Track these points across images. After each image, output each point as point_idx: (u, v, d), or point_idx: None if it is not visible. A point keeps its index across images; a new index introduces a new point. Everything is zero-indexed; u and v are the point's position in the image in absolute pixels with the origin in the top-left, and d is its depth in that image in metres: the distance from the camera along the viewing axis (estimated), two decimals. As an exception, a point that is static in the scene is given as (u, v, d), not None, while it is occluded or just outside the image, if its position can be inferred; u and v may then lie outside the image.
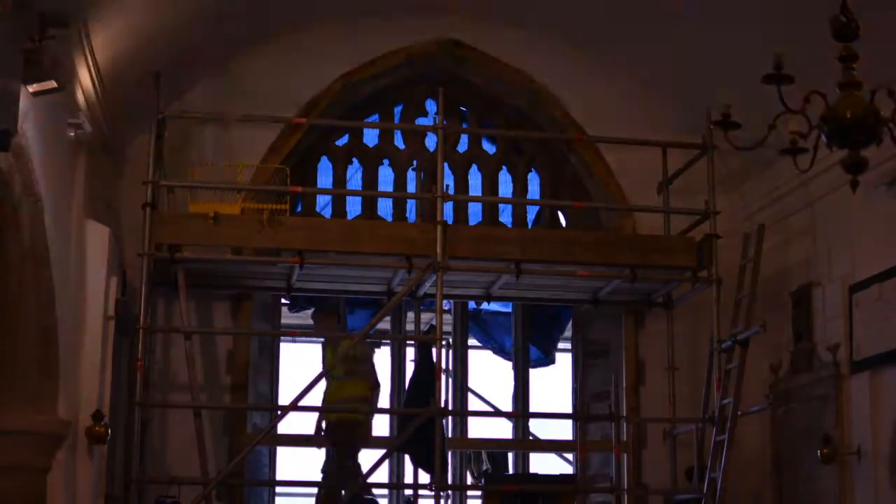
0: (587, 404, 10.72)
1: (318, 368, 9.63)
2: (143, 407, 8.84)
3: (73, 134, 7.71)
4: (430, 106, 10.92)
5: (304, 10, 10.16)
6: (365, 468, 9.31)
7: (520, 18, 10.53)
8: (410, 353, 10.65)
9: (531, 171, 11.23)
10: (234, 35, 9.96)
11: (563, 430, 11.27)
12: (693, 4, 9.24)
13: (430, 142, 10.75)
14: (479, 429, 11.32)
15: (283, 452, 10.77)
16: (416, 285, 9.38)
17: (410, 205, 10.82)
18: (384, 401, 10.70)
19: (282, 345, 10.84)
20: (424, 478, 9.59)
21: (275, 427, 9.49)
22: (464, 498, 10.91)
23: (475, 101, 11.11)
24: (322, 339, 10.06)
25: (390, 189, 10.90)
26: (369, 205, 10.80)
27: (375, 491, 10.15)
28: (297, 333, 11.10)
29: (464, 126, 11.11)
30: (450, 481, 10.30)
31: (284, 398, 10.41)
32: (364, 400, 9.63)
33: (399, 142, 11.04)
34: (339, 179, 10.83)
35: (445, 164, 9.89)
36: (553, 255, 9.51)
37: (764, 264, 9.59)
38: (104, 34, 7.86)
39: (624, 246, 9.72)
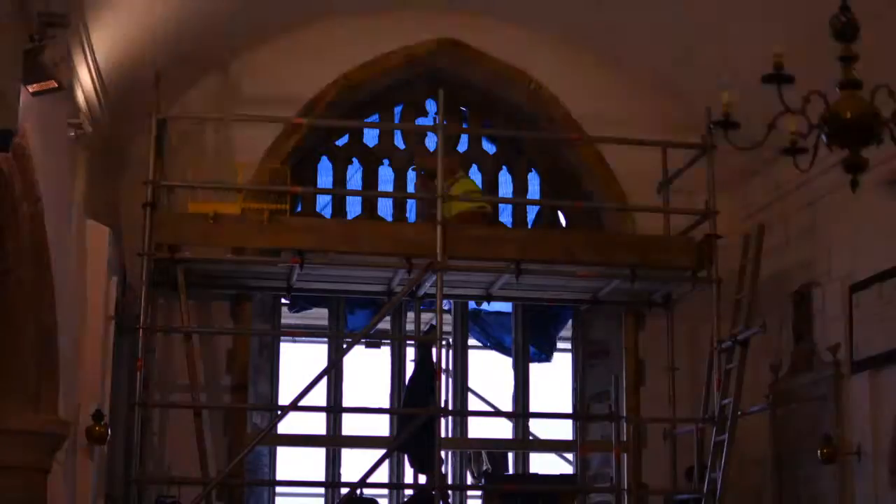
0: (587, 404, 10.73)
1: (318, 369, 9.63)
2: (143, 407, 8.84)
3: (73, 134, 7.70)
4: (430, 106, 10.93)
5: (304, 9, 10.16)
6: (364, 469, 9.30)
7: (520, 18, 10.53)
8: (410, 353, 10.66)
9: (531, 171, 11.24)
10: (234, 35, 9.96)
11: (563, 430, 11.27)
12: (694, 4, 9.24)
13: (430, 142, 10.76)
14: (479, 429, 11.32)
15: (283, 452, 10.78)
16: (415, 285, 9.39)
17: (410, 205, 10.83)
18: (384, 401, 10.72)
19: (282, 345, 10.85)
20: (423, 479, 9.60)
21: (275, 427, 9.49)
22: (464, 498, 10.91)
23: (475, 101, 11.11)
24: (322, 339, 10.07)
25: (390, 189, 10.90)
26: (369, 205, 10.81)
27: (376, 491, 10.15)
28: (297, 333, 11.11)
29: (464, 126, 11.11)
30: (450, 481, 10.33)
31: (284, 398, 10.41)
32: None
33: (399, 142, 11.05)
34: (339, 179, 10.84)
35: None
36: (553, 255, 9.51)
37: (764, 264, 9.59)
38: (104, 34, 7.86)
39: (624, 246, 9.72)
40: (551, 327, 11.30)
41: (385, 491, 10.77)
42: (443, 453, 9.39)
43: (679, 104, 10.47)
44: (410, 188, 10.90)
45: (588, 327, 11.10)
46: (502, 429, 11.55)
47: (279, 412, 9.39)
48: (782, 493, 9.64)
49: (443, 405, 9.14)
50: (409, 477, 10.31)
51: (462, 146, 11.14)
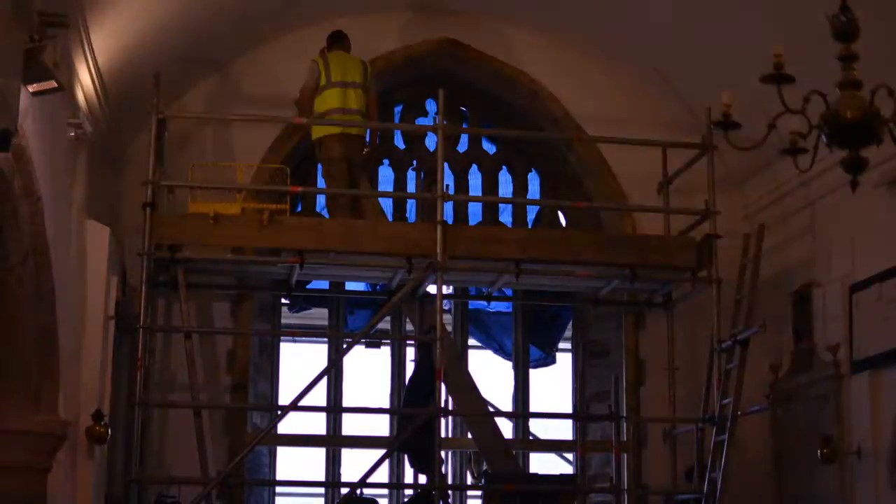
0: (587, 404, 10.72)
1: (318, 369, 9.62)
2: (143, 407, 8.83)
3: (73, 134, 7.70)
4: (430, 106, 10.92)
5: (305, 9, 10.16)
6: (364, 469, 9.30)
7: (519, 18, 10.53)
8: (410, 353, 10.65)
9: (531, 170, 11.24)
10: (234, 35, 9.96)
11: (563, 430, 11.27)
12: (694, 4, 9.24)
13: (431, 142, 10.75)
14: (478, 429, 11.30)
15: (283, 452, 10.77)
16: (416, 285, 9.38)
17: (410, 205, 10.82)
18: (384, 401, 10.71)
19: (282, 345, 10.84)
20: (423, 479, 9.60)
21: (275, 427, 9.49)
22: (464, 498, 10.91)
23: (475, 101, 11.10)
24: (322, 339, 10.06)
25: (390, 189, 10.90)
26: (369, 205, 10.80)
27: (376, 491, 10.15)
28: (297, 333, 11.10)
29: (464, 126, 11.11)
30: (450, 481, 10.32)
31: (284, 398, 10.41)
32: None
33: (399, 142, 11.04)
34: (339, 180, 10.82)
35: (445, 164, 9.88)
36: (553, 255, 9.51)
37: (764, 264, 9.59)
38: (104, 34, 7.86)
39: (624, 246, 9.72)
40: (553, 328, 11.29)
41: (385, 491, 10.76)
42: (443, 453, 9.38)
43: (679, 104, 10.47)
44: (411, 188, 10.90)
45: (588, 327, 11.10)
46: (502, 429, 11.53)
47: (279, 412, 9.39)
48: (782, 493, 9.64)
49: (443, 405, 9.13)
50: (409, 477, 10.30)
51: (462, 146, 11.14)
